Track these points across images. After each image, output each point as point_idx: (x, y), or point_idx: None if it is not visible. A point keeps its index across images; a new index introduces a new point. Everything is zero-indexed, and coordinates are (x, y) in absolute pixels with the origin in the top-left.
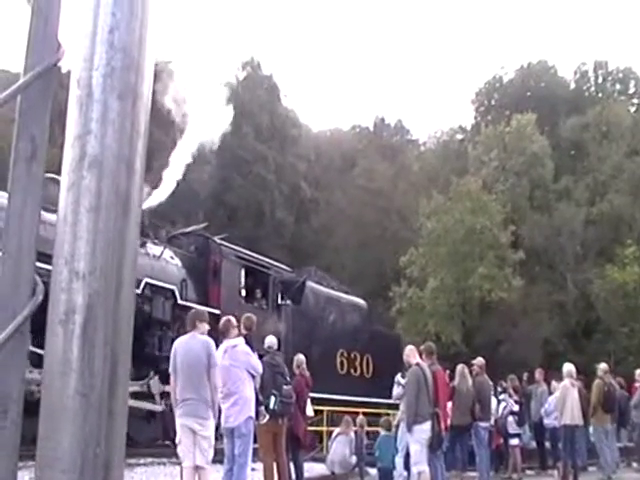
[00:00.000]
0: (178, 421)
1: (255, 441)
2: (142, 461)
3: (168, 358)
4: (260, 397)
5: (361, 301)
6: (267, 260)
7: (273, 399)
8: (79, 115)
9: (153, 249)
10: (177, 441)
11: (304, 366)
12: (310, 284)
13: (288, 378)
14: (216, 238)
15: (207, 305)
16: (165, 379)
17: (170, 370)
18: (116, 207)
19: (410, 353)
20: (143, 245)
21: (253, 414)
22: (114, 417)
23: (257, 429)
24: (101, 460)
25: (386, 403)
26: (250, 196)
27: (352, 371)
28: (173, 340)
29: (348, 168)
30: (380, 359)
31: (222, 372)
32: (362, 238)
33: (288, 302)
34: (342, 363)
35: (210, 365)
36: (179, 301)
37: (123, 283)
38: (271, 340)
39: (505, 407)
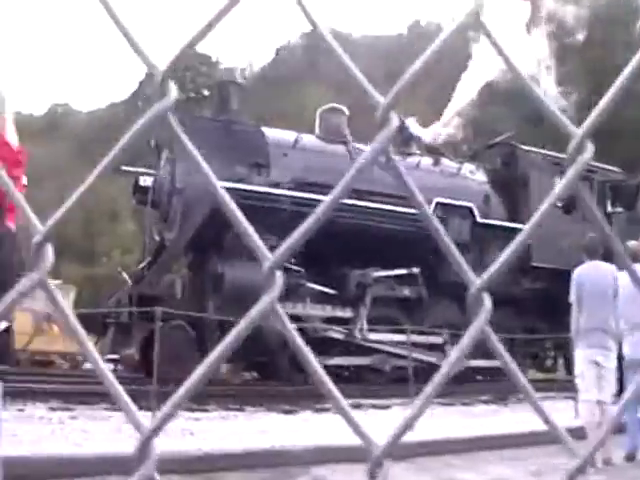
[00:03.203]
0: (580, 353)
1: None
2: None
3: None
4: None
5: None
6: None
7: None
8: None
9: (448, 166)
10: (577, 373)
11: None
12: None
13: None
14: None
15: (516, 221)
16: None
17: (572, 300)
18: None
19: None
20: (437, 163)
21: None
22: None
23: None
24: None
25: None
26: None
27: None
28: (473, 262)
29: None
30: None
31: (627, 302)
32: None
33: (619, 209)
34: None
35: (615, 294)
36: (478, 219)
37: None
38: None
39: None
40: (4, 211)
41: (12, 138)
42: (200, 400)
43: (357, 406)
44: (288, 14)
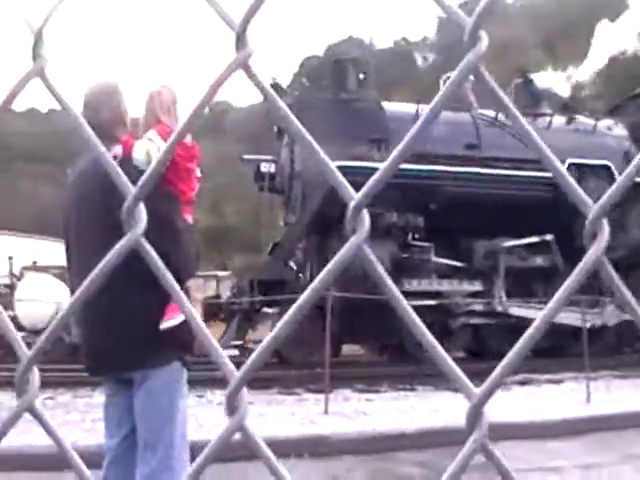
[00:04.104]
0: None
1: None
2: None
3: None
4: None
5: None
6: None
7: None
8: None
9: (583, 123)
10: None
11: None
12: None
13: None
14: None
15: None
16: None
17: None
18: None
19: None
20: (570, 121)
21: None
22: None
23: None
24: None
25: None
26: None
27: None
28: (613, 225)
29: None
30: None
31: None
32: None
33: None
34: None
35: None
36: (618, 178)
37: None
38: None
39: None
40: (183, 205)
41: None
42: (372, 381)
43: (528, 382)
44: None
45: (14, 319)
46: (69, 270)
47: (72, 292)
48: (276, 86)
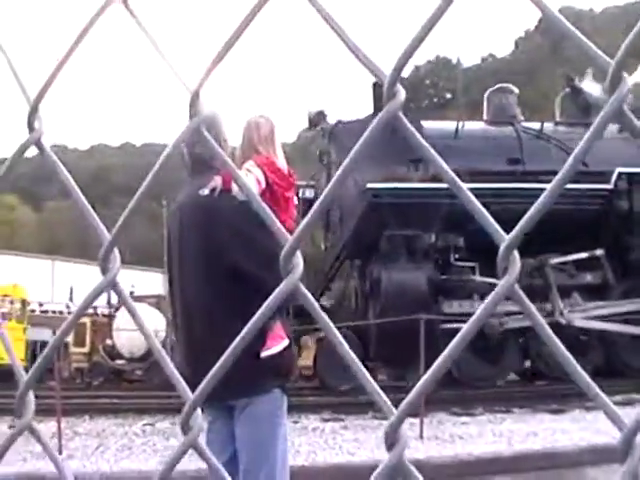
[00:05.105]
0: None
1: None
2: None
3: None
4: None
5: None
6: None
7: None
8: None
9: None
10: None
11: None
12: None
13: None
14: None
15: None
16: None
17: None
18: None
19: None
20: (622, 129)
21: None
22: None
23: None
24: None
25: None
26: None
27: None
28: None
29: None
30: None
31: None
32: None
33: None
34: None
35: None
36: None
37: None
38: None
39: None
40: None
41: (282, 164)
42: (468, 404)
43: (629, 402)
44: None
45: (113, 347)
46: (171, 299)
47: (174, 318)
48: (320, 114)
